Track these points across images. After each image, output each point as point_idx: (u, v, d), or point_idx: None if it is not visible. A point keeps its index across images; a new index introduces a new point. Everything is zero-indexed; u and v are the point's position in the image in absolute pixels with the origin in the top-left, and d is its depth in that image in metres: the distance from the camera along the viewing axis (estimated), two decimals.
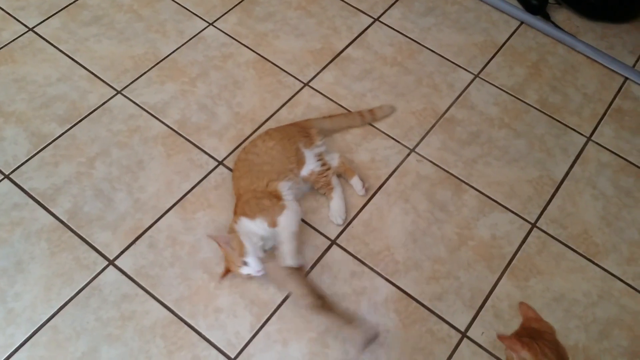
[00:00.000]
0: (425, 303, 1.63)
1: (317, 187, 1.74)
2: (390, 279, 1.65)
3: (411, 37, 2.20)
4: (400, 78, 2.07)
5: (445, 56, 2.14)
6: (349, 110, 1.94)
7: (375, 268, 1.67)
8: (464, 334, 1.59)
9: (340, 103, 1.98)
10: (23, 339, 1.48)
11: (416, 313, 1.61)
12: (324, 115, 1.92)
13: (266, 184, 1.64)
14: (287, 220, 1.59)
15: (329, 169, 1.74)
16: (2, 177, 1.72)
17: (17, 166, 1.75)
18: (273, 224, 1.58)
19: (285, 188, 1.65)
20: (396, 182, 1.83)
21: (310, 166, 1.72)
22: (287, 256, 1.56)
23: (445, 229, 1.75)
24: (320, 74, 2.06)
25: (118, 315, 1.53)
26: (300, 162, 1.71)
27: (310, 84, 2.03)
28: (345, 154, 1.86)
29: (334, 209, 1.73)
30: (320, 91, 2.01)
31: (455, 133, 1.95)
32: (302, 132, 1.77)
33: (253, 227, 1.57)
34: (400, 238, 1.73)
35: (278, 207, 1.60)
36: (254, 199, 1.61)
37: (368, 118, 1.93)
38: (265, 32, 2.14)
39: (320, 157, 1.75)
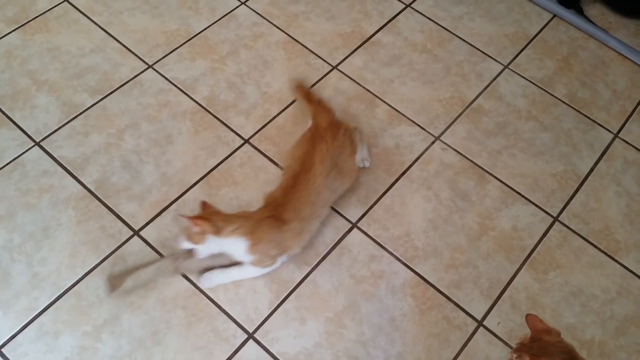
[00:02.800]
0: (443, 290, 1.64)
1: None
2: (409, 264, 1.66)
3: (442, 24, 2.19)
4: (429, 65, 2.07)
5: (475, 45, 2.13)
6: (373, 94, 1.94)
7: (394, 253, 1.68)
8: (480, 323, 1.60)
9: (367, 87, 1.98)
10: (47, 303, 1.52)
11: (433, 299, 1.62)
12: (349, 98, 1.92)
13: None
14: (260, 271, 1.59)
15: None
16: (33, 144, 1.76)
17: (47, 134, 1.78)
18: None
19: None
20: (419, 169, 1.83)
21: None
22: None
23: (467, 218, 1.76)
24: (349, 57, 2.06)
25: (141, 284, 1.56)
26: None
27: (338, 67, 2.03)
28: (370, 139, 1.87)
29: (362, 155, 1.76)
30: (349, 75, 2.01)
31: (481, 123, 1.94)
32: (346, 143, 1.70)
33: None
34: (420, 224, 1.73)
35: (272, 258, 1.56)
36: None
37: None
38: (297, 13, 2.15)
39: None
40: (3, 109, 1.81)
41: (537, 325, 1.27)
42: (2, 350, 1.45)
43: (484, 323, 1.60)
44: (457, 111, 1.97)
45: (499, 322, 1.60)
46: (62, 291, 1.54)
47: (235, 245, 1.47)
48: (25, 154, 1.74)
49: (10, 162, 1.72)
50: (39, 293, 1.53)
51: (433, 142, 1.89)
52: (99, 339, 1.48)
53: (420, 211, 1.76)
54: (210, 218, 1.43)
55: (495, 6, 2.26)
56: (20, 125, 1.79)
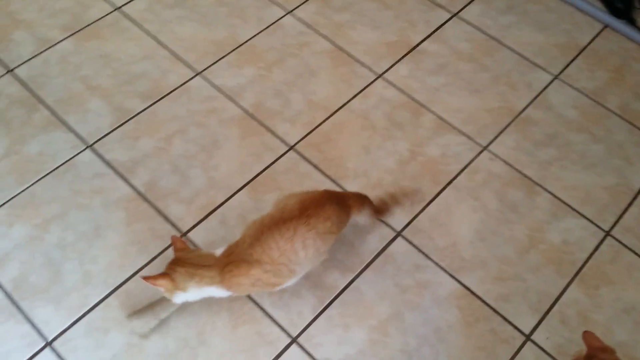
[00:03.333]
0: (490, 303, 1.60)
1: None
2: (455, 275, 1.64)
3: (490, 34, 2.17)
4: (476, 75, 2.04)
5: (524, 55, 2.10)
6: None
7: (440, 263, 1.66)
8: (528, 337, 1.56)
9: (413, 96, 1.97)
10: (97, 300, 1.56)
11: (480, 311, 1.59)
12: (395, 106, 1.92)
13: (273, 275, 1.44)
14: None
15: None
16: (85, 146, 1.81)
17: (99, 137, 1.83)
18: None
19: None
20: (467, 179, 1.81)
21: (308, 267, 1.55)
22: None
23: (515, 230, 1.72)
24: (395, 66, 2.05)
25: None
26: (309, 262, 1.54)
27: (384, 75, 2.03)
28: (415, 148, 1.85)
29: None
30: (394, 83, 2.01)
31: (530, 134, 1.91)
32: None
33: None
34: (467, 235, 1.71)
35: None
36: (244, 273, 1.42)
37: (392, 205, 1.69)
38: (342, 22, 2.16)
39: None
40: (57, 113, 1.87)
41: (594, 342, 1.23)
42: (53, 344, 1.49)
43: (532, 337, 1.56)
44: (505, 121, 1.94)
45: (547, 337, 1.56)
46: (112, 289, 1.57)
47: (210, 292, 1.42)
48: (78, 156, 1.79)
49: (63, 163, 1.77)
50: (89, 290, 1.56)
51: (481, 152, 1.87)
52: (147, 337, 1.50)
53: (467, 221, 1.73)
54: (171, 274, 1.37)
55: (544, 16, 2.23)
56: (74, 128, 1.84)
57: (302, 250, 1.40)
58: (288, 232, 1.37)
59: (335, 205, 1.46)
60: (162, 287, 1.38)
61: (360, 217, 1.60)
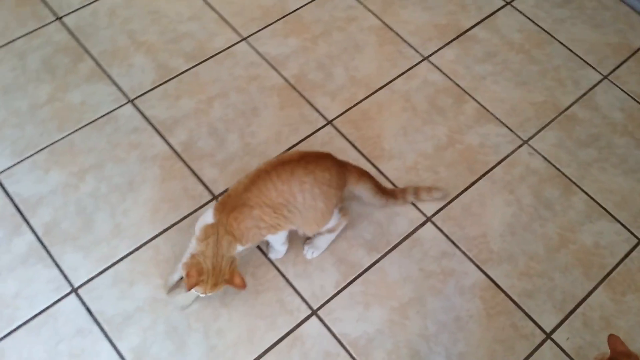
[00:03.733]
0: (514, 297, 1.59)
1: None
2: (481, 266, 1.63)
3: (542, 26, 2.11)
4: (525, 66, 2.00)
5: (575, 51, 2.05)
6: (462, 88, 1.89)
7: (467, 253, 1.64)
8: (548, 335, 1.54)
9: (457, 82, 1.94)
10: (126, 253, 1.58)
11: (502, 305, 1.58)
12: (438, 90, 1.89)
13: (273, 218, 1.44)
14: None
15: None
16: (127, 101, 1.83)
17: (141, 93, 1.85)
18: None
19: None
20: (503, 172, 1.78)
21: (329, 224, 1.56)
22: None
23: (547, 227, 1.70)
24: (442, 50, 2.02)
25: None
26: (323, 222, 1.53)
27: (430, 58, 2.00)
28: (455, 135, 1.83)
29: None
30: (439, 67, 1.98)
31: (573, 132, 1.87)
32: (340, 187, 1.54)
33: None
34: (498, 228, 1.69)
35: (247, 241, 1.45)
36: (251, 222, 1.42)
37: (409, 198, 1.69)
38: (393, 0, 2.12)
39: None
40: (102, 65, 1.88)
41: (618, 346, 1.21)
42: (79, 290, 1.52)
43: (552, 336, 1.55)
44: (549, 117, 1.90)
45: (568, 338, 1.54)
46: (141, 243, 1.59)
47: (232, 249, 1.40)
48: (119, 109, 1.81)
49: (104, 115, 1.79)
50: (119, 242, 1.59)
51: (520, 146, 1.83)
52: (188, 308, 1.53)
53: (499, 214, 1.71)
54: (192, 271, 1.33)
55: (600, 13, 2.16)
56: (117, 81, 1.86)
57: (299, 194, 1.40)
58: (285, 174, 1.38)
59: (335, 163, 1.48)
60: (198, 287, 1.36)
61: (359, 190, 1.59)
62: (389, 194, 1.65)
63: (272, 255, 1.60)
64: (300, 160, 1.41)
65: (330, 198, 1.46)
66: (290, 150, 1.45)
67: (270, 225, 1.42)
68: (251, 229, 1.40)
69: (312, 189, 1.41)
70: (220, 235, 1.36)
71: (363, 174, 1.58)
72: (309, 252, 1.60)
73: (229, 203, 1.39)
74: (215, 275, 1.35)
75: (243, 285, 1.37)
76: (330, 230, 1.57)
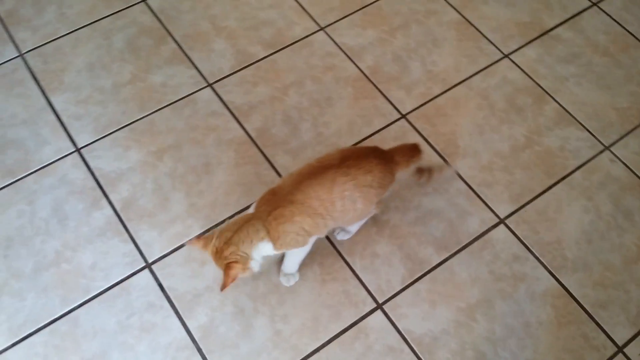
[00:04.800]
0: (587, 307, 1.54)
1: None
2: (555, 273, 1.58)
3: (629, 30, 2.02)
4: (610, 70, 1.92)
5: None
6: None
7: (541, 258, 1.60)
8: (620, 349, 1.49)
9: (538, 82, 1.89)
10: (199, 232, 1.62)
11: (574, 314, 1.53)
12: (517, 89, 1.84)
13: (319, 219, 1.39)
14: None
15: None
16: (206, 85, 1.86)
17: (220, 78, 1.88)
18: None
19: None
20: (582, 177, 1.72)
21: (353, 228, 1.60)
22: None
23: (626, 238, 1.63)
24: (524, 48, 1.96)
25: None
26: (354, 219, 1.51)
27: (510, 56, 1.94)
28: (533, 136, 1.78)
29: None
30: (520, 66, 1.92)
31: None
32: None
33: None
34: (574, 235, 1.63)
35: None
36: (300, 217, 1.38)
37: (424, 180, 1.60)
38: None
39: None
40: (184, 48, 1.93)
41: None
42: (152, 266, 1.57)
43: (624, 350, 1.49)
44: (633, 123, 1.82)
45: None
46: (214, 224, 1.62)
47: (263, 250, 1.35)
48: (198, 92, 1.84)
49: (183, 97, 1.83)
50: (192, 222, 1.63)
51: (602, 152, 1.77)
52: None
53: (575, 221, 1.65)
54: (232, 260, 1.32)
55: None
56: (197, 65, 1.90)
57: (339, 201, 1.35)
58: (327, 183, 1.33)
59: (380, 161, 1.40)
60: (240, 274, 1.33)
61: (407, 172, 1.53)
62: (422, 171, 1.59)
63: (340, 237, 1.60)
64: (341, 165, 1.35)
65: (371, 198, 1.42)
66: (333, 151, 1.41)
67: (306, 232, 1.38)
68: (289, 234, 1.35)
69: (353, 194, 1.37)
70: (250, 224, 1.33)
71: (410, 159, 1.50)
72: (340, 235, 1.61)
73: (274, 200, 1.35)
74: (213, 254, 1.33)
75: (227, 283, 1.31)
76: None
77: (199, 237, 1.36)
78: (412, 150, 1.51)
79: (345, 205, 1.37)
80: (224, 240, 1.32)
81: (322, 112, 1.82)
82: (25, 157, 1.72)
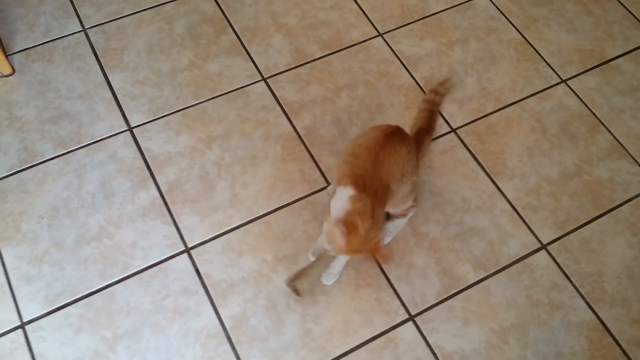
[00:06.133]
0: (622, 344, 1.51)
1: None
2: (592, 305, 1.55)
3: None
4: None
5: None
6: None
7: (580, 288, 1.57)
8: None
9: (594, 111, 1.86)
10: (239, 223, 1.64)
11: (608, 349, 1.50)
12: (572, 116, 1.81)
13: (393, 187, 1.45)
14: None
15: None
16: (260, 78, 1.88)
17: (275, 73, 1.89)
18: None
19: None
20: (629, 212, 1.69)
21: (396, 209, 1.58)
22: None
23: None
24: (582, 75, 1.94)
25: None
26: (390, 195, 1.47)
27: (568, 82, 1.92)
28: (583, 165, 1.75)
29: None
30: (577, 92, 1.90)
31: None
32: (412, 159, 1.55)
33: None
34: (615, 269, 1.61)
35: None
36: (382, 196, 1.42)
37: (438, 99, 1.82)
38: (538, 17, 2.05)
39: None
40: (243, 40, 1.95)
41: None
42: (191, 251, 1.59)
43: None
44: None
45: None
46: (255, 217, 1.64)
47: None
48: (252, 85, 1.86)
49: (237, 89, 1.85)
50: (234, 212, 1.65)
51: None
52: (275, 270, 1.57)
53: (619, 255, 1.62)
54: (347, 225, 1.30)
55: None
56: (254, 58, 1.91)
57: (398, 169, 1.43)
58: (393, 153, 1.41)
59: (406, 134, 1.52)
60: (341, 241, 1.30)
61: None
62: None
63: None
64: (393, 136, 1.43)
65: (415, 171, 1.51)
66: (367, 132, 1.48)
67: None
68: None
69: (407, 164, 1.44)
70: (374, 205, 1.34)
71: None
72: (327, 278, 1.56)
73: (368, 183, 1.35)
74: (362, 239, 1.29)
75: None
76: (403, 214, 1.59)
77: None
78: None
79: (404, 176, 1.45)
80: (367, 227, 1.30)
81: (372, 117, 1.82)
82: (79, 130, 1.75)
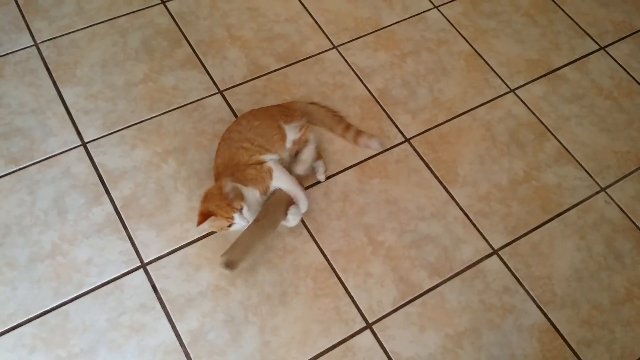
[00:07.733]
0: (572, 344, 1.56)
1: (298, 150, 1.72)
2: (543, 308, 1.60)
3: (634, 76, 2.07)
4: (611, 114, 1.96)
5: None
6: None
7: (530, 292, 1.62)
8: None
9: (541, 119, 1.93)
10: (197, 237, 1.63)
11: (559, 350, 1.55)
12: (520, 124, 1.87)
13: (248, 158, 1.61)
14: (280, 180, 1.61)
15: (307, 128, 1.74)
16: (216, 91, 1.88)
17: (231, 86, 1.90)
18: (264, 192, 1.60)
19: (267, 159, 1.63)
20: (577, 216, 1.75)
21: (291, 137, 1.69)
22: (301, 202, 1.63)
23: (615, 279, 1.66)
24: (530, 84, 2.00)
25: (281, 246, 1.63)
26: (283, 137, 1.68)
27: (516, 91, 1.98)
28: (532, 171, 1.81)
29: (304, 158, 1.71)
30: (525, 101, 1.96)
31: None
32: (284, 112, 1.74)
33: (246, 194, 1.56)
34: (565, 272, 1.66)
35: (265, 172, 1.60)
36: (239, 172, 1.59)
37: (350, 136, 1.82)
38: (487, 28, 2.12)
39: (300, 127, 1.72)
40: (198, 53, 1.95)
41: None
42: (147, 267, 1.58)
43: None
44: (630, 167, 1.86)
45: None
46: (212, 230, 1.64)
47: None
48: (208, 98, 1.87)
49: (193, 102, 1.85)
50: (191, 226, 1.64)
51: (597, 192, 1.80)
52: (233, 283, 1.57)
53: (567, 258, 1.68)
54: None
55: None
56: (210, 71, 1.92)
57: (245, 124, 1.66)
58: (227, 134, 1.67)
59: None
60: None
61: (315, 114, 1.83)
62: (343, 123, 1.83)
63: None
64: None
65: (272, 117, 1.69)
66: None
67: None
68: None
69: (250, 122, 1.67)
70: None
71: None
72: (298, 169, 1.69)
73: (221, 169, 1.62)
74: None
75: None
76: (303, 141, 1.71)
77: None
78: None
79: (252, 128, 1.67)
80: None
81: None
82: (31, 146, 1.73)
